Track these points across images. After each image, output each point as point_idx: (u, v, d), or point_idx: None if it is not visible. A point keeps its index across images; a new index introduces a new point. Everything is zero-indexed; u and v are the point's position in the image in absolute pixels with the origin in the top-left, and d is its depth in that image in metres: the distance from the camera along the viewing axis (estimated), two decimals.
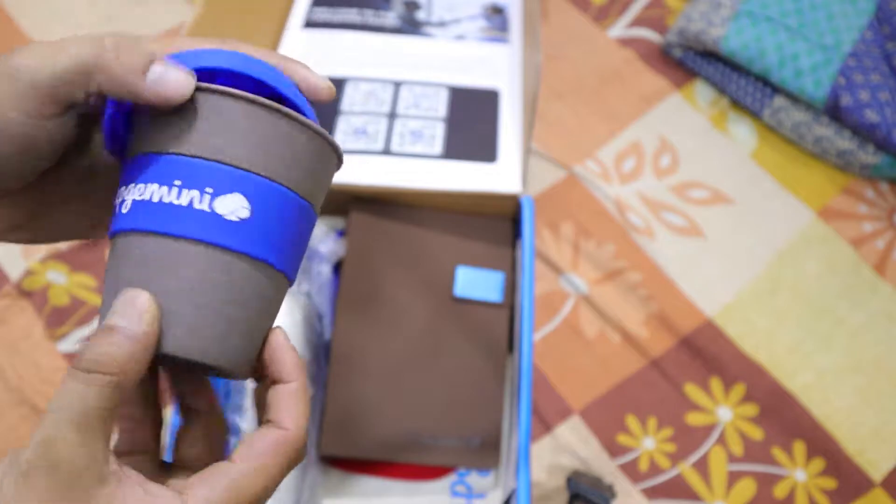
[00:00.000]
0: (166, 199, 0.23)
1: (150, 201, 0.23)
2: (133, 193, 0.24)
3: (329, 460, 0.51)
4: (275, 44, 0.62)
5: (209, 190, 0.23)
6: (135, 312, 0.22)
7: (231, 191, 0.23)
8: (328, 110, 0.57)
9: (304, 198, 0.25)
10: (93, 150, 0.27)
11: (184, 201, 0.23)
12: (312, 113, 0.27)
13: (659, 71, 0.72)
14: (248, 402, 0.46)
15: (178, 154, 0.24)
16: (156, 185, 0.23)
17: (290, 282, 0.26)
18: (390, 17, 0.64)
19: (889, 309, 0.61)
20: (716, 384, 0.58)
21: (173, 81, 0.23)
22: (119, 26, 0.73)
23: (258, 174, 0.24)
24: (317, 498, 0.49)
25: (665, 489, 0.54)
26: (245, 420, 0.46)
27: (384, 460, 0.50)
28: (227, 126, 0.24)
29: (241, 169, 0.24)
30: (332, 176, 0.27)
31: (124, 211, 0.24)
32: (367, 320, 0.52)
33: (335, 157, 0.26)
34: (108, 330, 0.22)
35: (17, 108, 0.22)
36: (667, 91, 0.71)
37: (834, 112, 0.63)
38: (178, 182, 0.23)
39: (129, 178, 0.24)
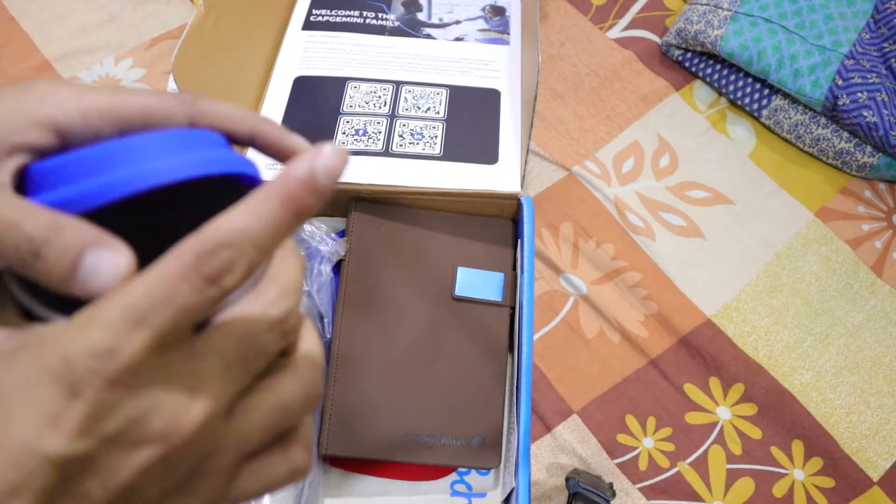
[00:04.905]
0: None
1: None
2: None
3: (329, 460, 0.51)
4: (275, 45, 0.62)
5: None
6: None
7: None
8: (330, 111, 0.57)
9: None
10: None
11: None
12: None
13: (658, 72, 0.72)
14: None
15: None
16: None
17: None
18: (390, 19, 0.65)
19: (887, 308, 0.61)
20: (714, 384, 0.58)
21: (102, 277, 0.19)
22: (119, 26, 0.73)
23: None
24: (317, 497, 0.49)
25: (664, 488, 0.54)
26: None
27: (384, 460, 0.50)
28: None
29: None
30: None
31: None
32: (367, 320, 0.52)
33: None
34: None
35: None
36: (666, 92, 0.71)
37: (832, 113, 0.64)
38: None
39: None
